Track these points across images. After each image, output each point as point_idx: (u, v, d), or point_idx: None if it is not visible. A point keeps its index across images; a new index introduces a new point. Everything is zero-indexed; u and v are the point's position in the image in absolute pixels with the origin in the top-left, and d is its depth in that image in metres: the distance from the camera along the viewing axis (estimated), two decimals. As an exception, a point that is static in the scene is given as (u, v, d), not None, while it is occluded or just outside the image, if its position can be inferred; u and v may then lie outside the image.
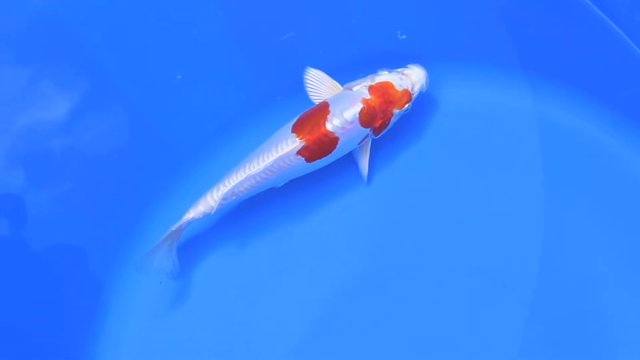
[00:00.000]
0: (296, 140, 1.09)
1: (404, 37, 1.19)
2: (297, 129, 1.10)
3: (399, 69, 1.14)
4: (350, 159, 1.17)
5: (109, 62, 1.22)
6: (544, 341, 1.11)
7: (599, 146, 1.18)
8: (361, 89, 1.12)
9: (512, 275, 1.14)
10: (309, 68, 1.16)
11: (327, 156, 1.11)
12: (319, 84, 1.15)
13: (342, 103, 1.10)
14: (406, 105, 1.13)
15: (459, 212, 1.16)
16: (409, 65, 1.15)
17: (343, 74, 1.16)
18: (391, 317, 1.14)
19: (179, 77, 1.21)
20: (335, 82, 1.16)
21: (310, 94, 1.15)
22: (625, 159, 1.17)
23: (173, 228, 1.10)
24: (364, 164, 1.17)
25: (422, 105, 1.16)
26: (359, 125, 1.10)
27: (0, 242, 1.16)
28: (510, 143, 1.18)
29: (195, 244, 1.18)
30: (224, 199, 1.10)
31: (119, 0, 1.23)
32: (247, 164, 1.10)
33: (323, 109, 1.10)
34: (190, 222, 1.11)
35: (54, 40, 1.22)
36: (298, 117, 1.12)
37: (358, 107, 1.10)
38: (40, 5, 1.23)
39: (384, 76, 1.13)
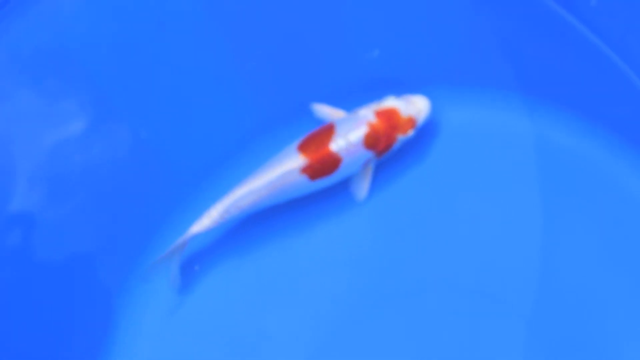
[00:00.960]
0: (300, 158, 1.11)
1: (376, 53, 1.22)
2: (302, 148, 1.13)
3: (405, 96, 1.17)
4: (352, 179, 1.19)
5: (119, 83, 1.25)
6: (543, 352, 1.11)
7: (596, 166, 1.18)
8: (367, 113, 1.15)
9: (512, 297, 1.13)
10: (313, 104, 1.20)
11: (330, 176, 1.14)
12: (324, 115, 1.20)
13: (348, 125, 1.14)
14: (409, 132, 1.16)
15: (458, 233, 1.17)
16: (415, 94, 1.18)
17: (348, 99, 1.20)
18: (390, 337, 1.13)
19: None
20: (339, 110, 1.19)
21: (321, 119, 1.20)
22: (622, 179, 1.17)
23: (178, 242, 1.12)
24: (364, 185, 1.19)
25: (422, 128, 1.18)
26: (363, 148, 1.13)
27: (17, 253, 1.19)
28: (509, 165, 1.19)
29: (198, 258, 1.19)
30: (228, 213, 1.12)
31: (126, 22, 1.26)
32: (252, 180, 1.12)
33: (329, 130, 1.14)
34: (194, 236, 1.13)
35: (65, 63, 1.25)
36: (305, 136, 1.15)
37: (363, 129, 1.13)
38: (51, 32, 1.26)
39: (390, 102, 1.16)
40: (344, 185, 1.19)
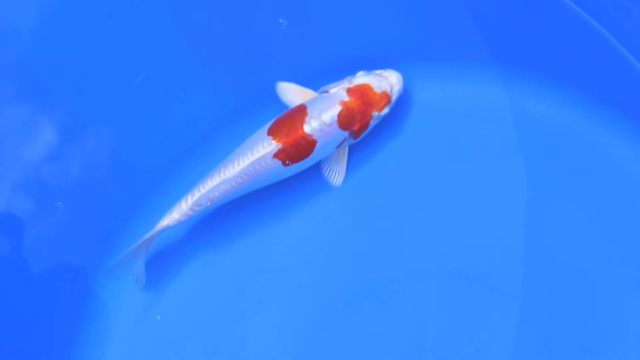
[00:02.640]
0: (272, 143, 1.06)
1: (284, 23, 1.17)
2: (273, 132, 1.07)
3: (377, 71, 1.12)
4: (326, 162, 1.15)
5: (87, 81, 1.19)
6: (538, 342, 1.08)
7: (576, 134, 1.15)
8: (339, 91, 1.10)
9: (500, 278, 1.10)
10: (279, 82, 1.14)
11: (305, 160, 1.09)
12: (291, 95, 1.13)
13: (321, 105, 1.08)
14: (385, 108, 1.11)
15: (440, 212, 1.13)
16: (387, 69, 1.13)
17: (315, 80, 1.14)
18: (374, 322, 1.10)
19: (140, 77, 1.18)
20: (308, 90, 1.14)
21: (286, 104, 1.14)
22: (604, 146, 1.14)
23: (146, 237, 1.07)
24: (341, 167, 1.14)
25: (398, 106, 1.14)
26: (338, 128, 1.08)
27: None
28: (488, 139, 1.15)
29: (170, 253, 1.15)
30: (199, 205, 1.07)
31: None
32: (222, 169, 1.07)
33: (301, 111, 1.08)
34: (163, 230, 1.08)
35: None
36: (274, 119, 1.09)
37: (337, 109, 1.07)
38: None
39: (362, 78, 1.11)
40: (318, 169, 1.14)
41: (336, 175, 1.14)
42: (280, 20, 1.17)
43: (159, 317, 1.13)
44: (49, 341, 1.11)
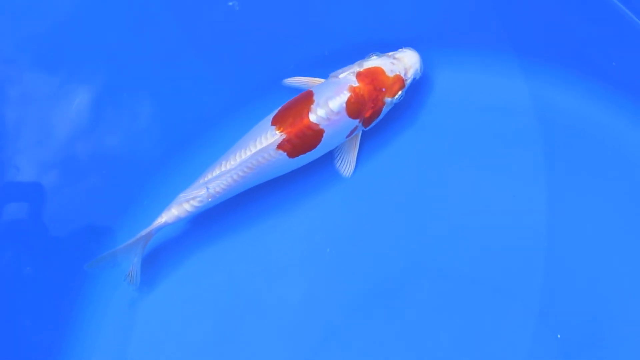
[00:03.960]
0: (276, 133, 0.98)
1: (234, 4, 1.12)
2: (277, 121, 1.00)
3: (390, 53, 1.04)
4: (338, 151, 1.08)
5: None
6: (553, 349, 1.03)
7: (601, 128, 1.10)
8: (348, 76, 1.01)
9: (513, 278, 1.05)
10: (285, 80, 1.08)
11: (312, 151, 1.01)
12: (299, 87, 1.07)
13: (328, 92, 1.00)
14: (399, 93, 1.02)
15: (455, 208, 1.08)
16: (400, 49, 1.05)
17: (326, 67, 1.07)
18: (379, 325, 1.04)
19: None
20: (316, 79, 1.06)
21: None
22: (630, 140, 1.09)
23: (142, 233, 1.00)
24: (352, 157, 1.06)
25: (413, 94, 1.07)
26: (346, 116, 1.00)
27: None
28: (508, 130, 1.10)
29: (166, 250, 1.08)
30: (199, 201, 1.00)
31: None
32: (224, 162, 1.00)
33: (307, 99, 1.00)
34: (161, 228, 1.02)
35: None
36: (279, 108, 1.02)
37: (345, 95, 1.00)
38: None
39: (373, 61, 1.02)
40: (327, 160, 1.07)
41: (346, 165, 1.07)
42: (230, 4, 1.13)
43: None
44: (37, 338, 1.07)
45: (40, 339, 1.06)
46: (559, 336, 1.03)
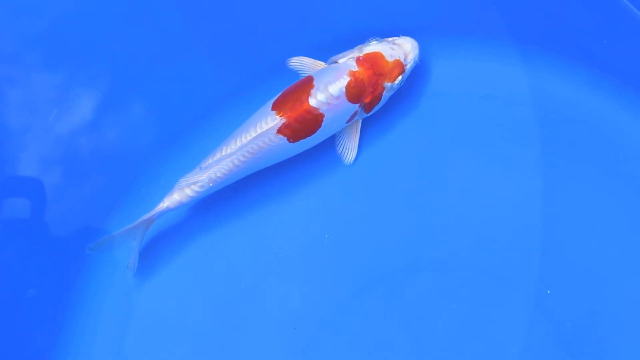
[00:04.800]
0: (276, 118, 0.98)
1: None
2: (277, 106, 1.00)
3: (390, 39, 1.04)
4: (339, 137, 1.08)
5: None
6: (550, 337, 1.02)
7: (600, 117, 1.09)
8: (348, 60, 1.02)
9: (512, 267, 1.05)
10: (289, 59, 1.07)
11: (312, 136, 1.01)
12: (304, 69, 1.06)
13: (327, 76, 1.00)
14: (399, 78, 1.02)
15: (454, 196, 1.07)
16: (400, 36, 1.05)
17: (326, 52, 1.07)
18: (379, 315, 1.04)
19: None
20: (318, 61, 1.06)
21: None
22: (630, 130, 1.09)
23: (144, 217, 1.01)
24: (352, 144, 1.06)
25: (413, 82, 1.07)
26: (346, 101, 1.00)
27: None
28: (507, 119, 1.10)
29: (164, 238, 1.09)
30: (201, 186, 1.01)
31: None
32: (224, 147, 1.00)
33: (307, 84, 1.01)
34: (163, 213, 1.02)
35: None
36: (280, 93, 1.02)
37: (344, 80, 1.00)
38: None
39: (373, 46, 1.03)
40: (326, 148, 1.07)
41: (348, 151, 1.07)
42: None
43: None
44: (35, 327, 1.07)
45: (40, 325, 1.07)
46: (548, 291, 1.02)
